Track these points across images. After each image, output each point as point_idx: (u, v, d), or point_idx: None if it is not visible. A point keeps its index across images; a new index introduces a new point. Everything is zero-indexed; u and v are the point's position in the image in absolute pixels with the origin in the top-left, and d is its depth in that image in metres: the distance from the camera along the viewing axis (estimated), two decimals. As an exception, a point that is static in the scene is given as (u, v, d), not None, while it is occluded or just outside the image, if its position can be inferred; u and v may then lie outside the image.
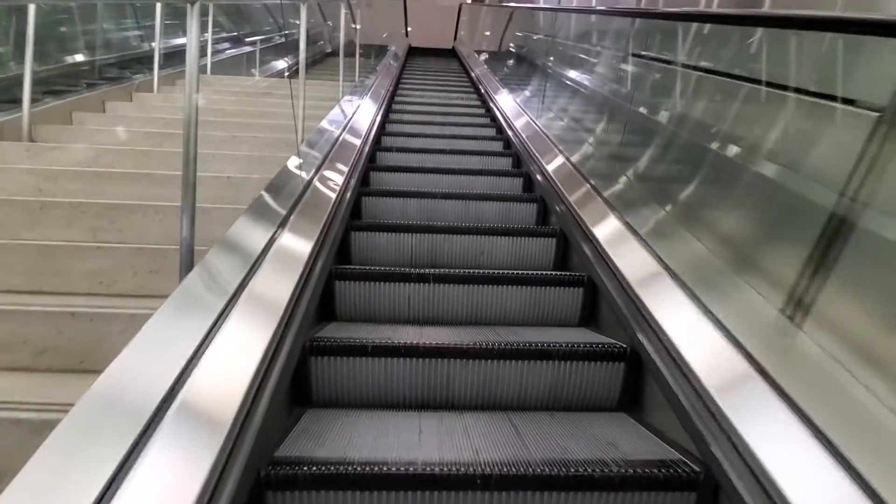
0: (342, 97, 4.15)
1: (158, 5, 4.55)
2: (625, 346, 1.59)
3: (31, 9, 2.79)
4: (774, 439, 1.07)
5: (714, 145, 1.88)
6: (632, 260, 1.78)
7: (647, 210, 2.05)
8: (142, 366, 0.97)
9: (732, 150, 1.77)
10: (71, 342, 1.60)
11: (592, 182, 2.52)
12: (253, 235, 1.62)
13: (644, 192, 2.20)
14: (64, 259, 1.97)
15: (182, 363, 0.99)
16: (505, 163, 3.70)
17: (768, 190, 1.58)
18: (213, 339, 1.08)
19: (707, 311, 1.39)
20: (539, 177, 2.97)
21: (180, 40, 5.86)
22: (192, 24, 1.37)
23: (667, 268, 1.64)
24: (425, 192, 2.90)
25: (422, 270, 2.07)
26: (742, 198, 1.70)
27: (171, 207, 2.12)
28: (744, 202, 1.68)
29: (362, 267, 2.14)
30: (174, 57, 5.38)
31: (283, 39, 7.74)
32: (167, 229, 2.09)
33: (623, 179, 2.41)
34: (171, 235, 1.67)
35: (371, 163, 3.37)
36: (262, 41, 7.15)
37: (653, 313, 1.49)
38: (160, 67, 4.65)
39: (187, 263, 1.46)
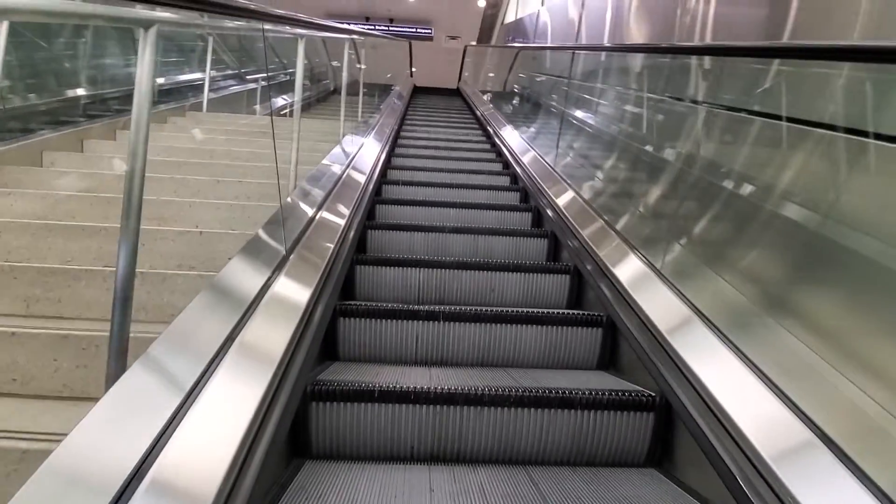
0: (346, 134, 4.03)
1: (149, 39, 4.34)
2: (653, 394, 1.46)
3: (2, 38, 2.33)
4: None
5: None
6: (657, 300, 1.66)
7: (671, 249, 1.95)
8: (121, 418, 0.84)
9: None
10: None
11: (606, 218, 2.42)
12: (249, 275, 1.50)
13: (667, 230, 2.10)
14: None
15: (168, 414, 0.87)
16: (513, 197, 3.63)
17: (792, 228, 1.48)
18: (202, 389, 0.96)
19: (746, 359, 1.27)
20: (550, 212, 2.89)
21: (183, 77, 5.57)
22: (146, 53, 1.12)
23: (697, 311, 1.53)
24: (433, 227, 2.81)
25: (431, 308, 1.95)
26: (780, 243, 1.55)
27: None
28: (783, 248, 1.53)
29: (368, 303, 2.02)
30: (173, 93, 5.08)
31: (288, 77, 7.71)
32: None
33: (640, 215, 2.31)
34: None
35: (377, 196, 3.30)
36: (264, 79, 7.12)
37: (686, 360, 1.36)
38: (153, 103, 4.44)
39: (118, 359, 1.05)
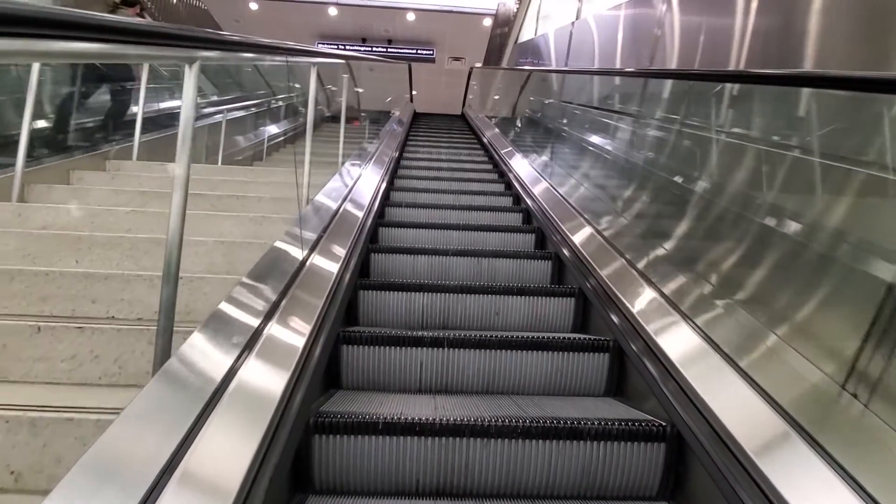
0: (342, 164, 3.43)
1: (35, 68, 2.88)
2: (664, 423, 1.43)
3: None
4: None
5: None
6: (669, 328, 1.63)
7: (676, 271, 1.93)
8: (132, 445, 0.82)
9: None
10: None
11: (617, 245, 2.36)
12: (257, 301, 1.49)
13: (672, 253, 2.08)
14: None
15: (174, 444, 0.85)
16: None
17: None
18: (207, 418, 0.94)
19: (762, 392, 1.24)
20: (565, 249, 2.69)
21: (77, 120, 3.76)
22: None
23: (707, 338, 1.50)
24: (437, 250, 2.80)
25: (435, 334, 1.92)
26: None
27: None
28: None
29: (371, 330, 2.00)
30: (102, 133, 3.76)
31: (271, 105, 6.46)
32: None
33: (649, 239, 2.29)
34: None
35: (380, 218, 3.28)
36: (230, 110, 5.52)
37: (696, 388, 1.33)
38: (44, 156, 3.07)
39: None
